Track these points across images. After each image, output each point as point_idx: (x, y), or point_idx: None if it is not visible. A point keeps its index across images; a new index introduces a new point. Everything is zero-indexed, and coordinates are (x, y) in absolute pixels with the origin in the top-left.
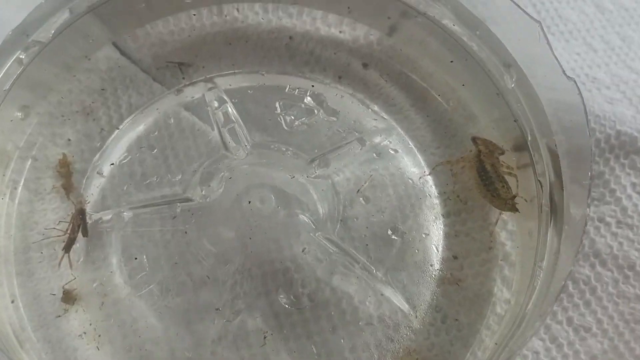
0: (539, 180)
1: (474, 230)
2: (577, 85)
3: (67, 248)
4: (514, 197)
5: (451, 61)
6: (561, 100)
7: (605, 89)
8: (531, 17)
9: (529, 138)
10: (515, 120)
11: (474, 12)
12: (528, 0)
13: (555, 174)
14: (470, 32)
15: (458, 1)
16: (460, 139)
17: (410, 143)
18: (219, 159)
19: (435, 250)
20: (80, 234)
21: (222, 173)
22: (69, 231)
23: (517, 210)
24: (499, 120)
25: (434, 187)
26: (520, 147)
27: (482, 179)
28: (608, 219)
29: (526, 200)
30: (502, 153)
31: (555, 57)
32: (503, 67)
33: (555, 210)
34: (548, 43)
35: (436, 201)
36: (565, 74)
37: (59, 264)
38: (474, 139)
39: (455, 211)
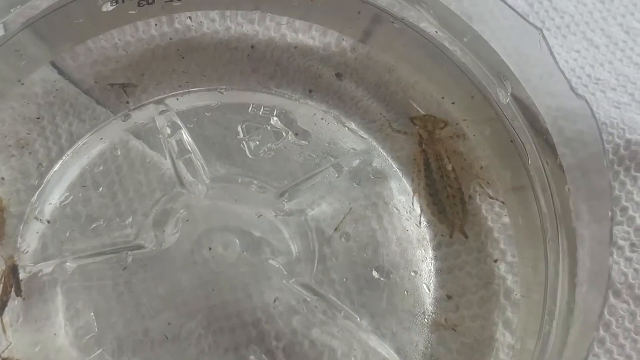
0: (539, 206)
1: (469, 263)
2: (589, 105)
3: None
4: (462, 223)
5: (436, 72)
6: (561, 106)
7: (611, 91)
8: (530, 24)
9: (529, 160)
10: (511, 141)
11: (462, 17)
12: None
13: (560, 200)
14: (457, 39)
15: (442, 3)
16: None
17: (394, 166)
18: (174, 197)
19: (427, 290)
20: (13, 294)
21: (178, 213)
22: None
23: (465, 235)
24: (492, 138)
25: (422, 215)
26: (517, 170)
27: (427, 184)
28: (620, 242)
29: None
30: (444, 126)
31: (562, 71)
32: (496, 80)
33: (564, 244)
34: (552, 54)
35: (425, 231)
36: (573, 91)
37: None
38: (412, 119)
39: (447, 242)
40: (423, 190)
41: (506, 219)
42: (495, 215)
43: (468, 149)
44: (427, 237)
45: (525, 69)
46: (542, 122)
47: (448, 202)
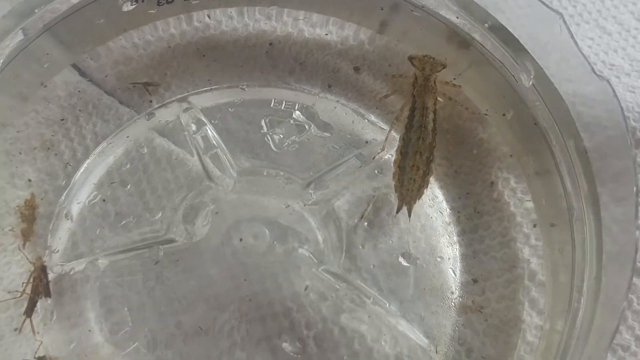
0: (565, 188)
1: (493, 248)
2: (611, 86)
3: (29, 312)
4: (411, 201)
5: (456, 58)
6: (579, 92)
7: (625, 76)
8: (550, 8)
9: (553, 143)
10: (535, 123)
11: (481, 3)
12: None
13: (587, 181)
14: (478, 25)
15: None
16: (470, 146)
17: None
18: (203, 191)
19: (453, 275)
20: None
21: (208, 207)
22: (28, 292)
23: (408, 215)
24: (515, 123)
25: (444, 202)
26: (541, 154)
27: (403, 139)
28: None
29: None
30: (442, 68)
31: (582, 54)
32: (518, 63)
33: (591, 225)
34: (572, 37)
35: (448, 219)
36: (596, 73)
37: (19, 330)
38: (410, 58)
39: (471, 228)
40: (398, 146)
41: (529, 204)
42: (518, 201)
43: (489, 134)
44: (451, 223)
45: (544, 54)
46: (563, 103)
47: (410, 172)
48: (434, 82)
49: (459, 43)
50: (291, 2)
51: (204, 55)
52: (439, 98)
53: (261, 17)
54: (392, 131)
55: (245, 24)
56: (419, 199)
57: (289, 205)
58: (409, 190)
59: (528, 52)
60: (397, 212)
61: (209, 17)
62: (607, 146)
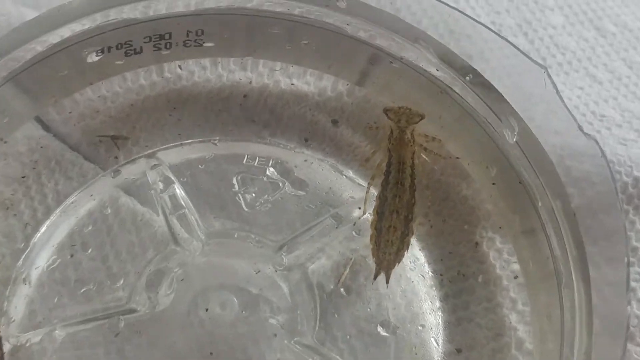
0: (552, 249)
1: (478, 314)
2: (599, 145)
3: None
4: (390, 266)
5: (437, 112)
6: (567, 145)
7: (617, 127)
8: (534, 61)
9: (539, 202)
10: (520, 182)
11: (462, 55)
12: (518, 28)
13: (575, 244)
14: (459, 78)
15: (439, 42)
16: (452, 203)
17: None
18: (168, 255)
19: (435, 345)
20: None
21: (173, 273)
22: None
23: (387, 281)
24: (499, 180)
25: (426, 264)
26: (526, 212)
27: (379, 198)
28: (633, 284)
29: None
30: (420, 120)
31: (568, 110)
32: (501, 119)
33: (580, 290)
34: (558, 93)
35: (430, 282)
36: (581, 130)
37: None
38: (385, 111)
39: (454, 292)
40: (374, 205)
41: (515, 266)
42: (504, 262)
43: (473, 191)
44: (434, 287)
45: (529, 107)
46: (549, 162)
47: (387, 234)
48: (411, 135)
49: (439, 96)
50: (267, 52)
51: (174, 108)
52: (423, 155)
53: (236, 67)
54: (370, 189)
55: (219, 74)
56: (398, 263)
57: (259, 271)
58: (386, 254)
59: (512, 107)
60: (375, 277)
61: (180, 67)
62: (597, 203)
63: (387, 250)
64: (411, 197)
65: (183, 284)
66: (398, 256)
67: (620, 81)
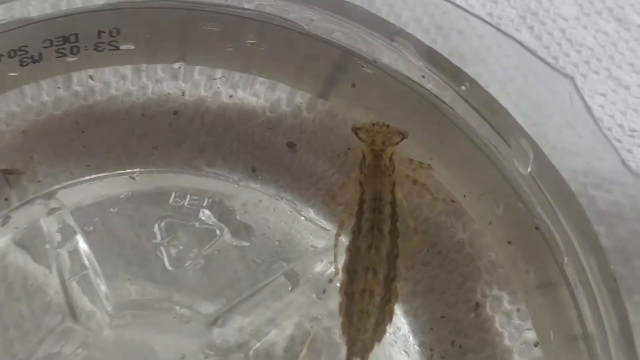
0: (578, 309)
1: None
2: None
3: None
4: (366, 348)
5: (424, 131)
6: (591, 171)
7: None
8: (556, 70)
9: (564, 257)
10: (537, 228)
11: (452, 56)
12: (522, 21)
13: (612, 303)
14: (451, 87)
15: (425, 42)
16: (445, 250)
17: None
18: (64, 334)
19: None
20: None
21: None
22: None
23: None
24: (506, 220)
25: (411, 335)
26: (543, 262)
27: (350, 249)
28: None
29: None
30: (402, 138)
31: (598, 126)
32: (509, 142)
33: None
34: (584, 102)
35: (418, 357)
36: (610, 143)
37: None
38: (355, 130)
39: None
40: (344, 261)
41: (530, 335)
42: (515, 330)
43: (471, 234)
44: None
45: (541, 122)
46: (574, 198)
47: (361, 302)
48: (390, 161)
49: (425, 109)
50: (204, 56)
51: (83, 131)
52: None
53: (164, 76)
54: (340, 237)
55: (143, 85)
56: (377, 342)
57: (183, 357)
58: (360, 331)
59: (524, 130)
60: None
61: (92, 78)
62: (632, 244)
63: (362, 325)
64: (392, 247)
65: None
66: (377, 333)
67: None
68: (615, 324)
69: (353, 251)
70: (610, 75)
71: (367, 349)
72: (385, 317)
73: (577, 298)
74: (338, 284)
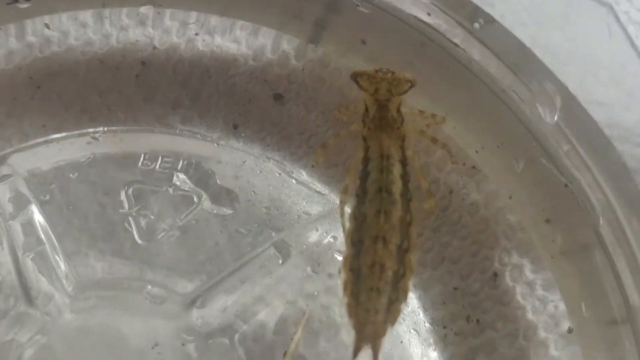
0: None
1: None
2: None
3: None
4: (378, 332)
5: (431, 78)
6: (616, 122)
7: None
8: None
9: (597, 207)
10: (566, 185)
11: None
12: None
13: None
14: (463, 25)
15: None
16: (457, 215)
17: None
18: (18, 320)
19: None
20: None
21: (22, 349)
22: None
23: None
24: (527, 178)
25: (421, 311)
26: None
27: (354, 217)
28: None
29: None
30: (410, 86)
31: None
32: (532, 87)
33: None
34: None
35: (429, 338)
36: None
37: None
38: (355, 76)
39: (466, 353)
40: (347, 231)
41: (557, 308)
42: (539, 302)
43: (487, 195)
44: (433, 347)
45: (566, 63)
46: (611, 149)
47: (370, 279)
48: (397, 112)
49: (432, 53)
50: None
51: (39, 87)
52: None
53: (130, 22)
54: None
55: (106, 34)
56: (391, 325)
57: (157, 344)
58: (370, 313)
59: (550, 72)
60: (355, 354)
61: (48, 27)
62: None
63: (372, 305)
64: (405, 213)
65: None
66: (390, 314)
67: None
68: None
69: (358, 218)
70: None
71: (379, 334)
72: (399, 295)
73: (615, 264)
74: (338, 256)
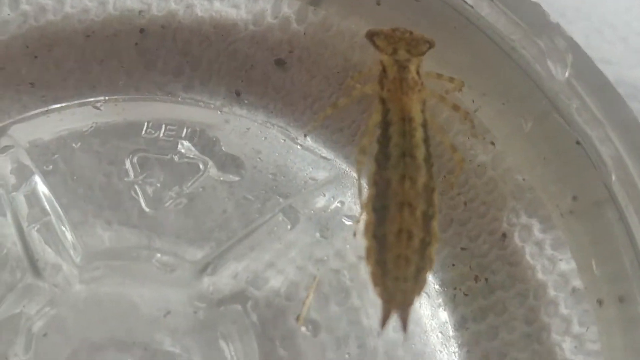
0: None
1: (514, 346)
2: None
3: None
4: (407, 300)
5: (441, 39)
6: (625, 80)
7: None
8: None
9: (609, 163)
10: (578, 142)
11: None
12: None
13: None
14: None
15: None
16: (464, 175)
17: None
18: (26, 292)
19: None
20: None
21: (32, 322)
22: None
23: (404, 328)
24: (536, 137)
25: (430, 274)
26: (582, 182)
27: (375, 182)
28: None
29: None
30: (429, 47)
31: None
32: (542, 42)
33: None
34: None
35: (438, 300)
36: None
37: None
38: (370, 35)
39: (475, 313)
40: (368, 196)
41: (566, 266)
42: (548, 262)
43: (494, 156)
44: (442, 307)
45: (579, 23)
46: (623, 105)
47: (397, 246)
48: (417, 74)
49: (440, 11)
50: None
51: (36, 57)
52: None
53: None
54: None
55: (102, 1)
56: (418, 294)
57: (169, 312)
58: (399, 281)
59: (560, 27)
60: (383, 322)
61: None
62: None
63: (401, 273)
64: (429, 179)
65: (47, 342)
66: (418, 283)
67: None
68: None
69: (380, 184)
70: None
71: (408, 302)
72: (425, 263)
73: (628, 220)
74: (345, 221)
